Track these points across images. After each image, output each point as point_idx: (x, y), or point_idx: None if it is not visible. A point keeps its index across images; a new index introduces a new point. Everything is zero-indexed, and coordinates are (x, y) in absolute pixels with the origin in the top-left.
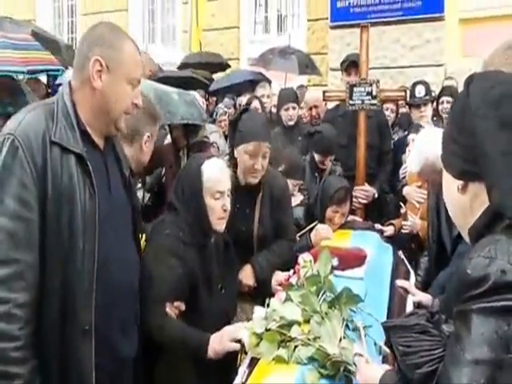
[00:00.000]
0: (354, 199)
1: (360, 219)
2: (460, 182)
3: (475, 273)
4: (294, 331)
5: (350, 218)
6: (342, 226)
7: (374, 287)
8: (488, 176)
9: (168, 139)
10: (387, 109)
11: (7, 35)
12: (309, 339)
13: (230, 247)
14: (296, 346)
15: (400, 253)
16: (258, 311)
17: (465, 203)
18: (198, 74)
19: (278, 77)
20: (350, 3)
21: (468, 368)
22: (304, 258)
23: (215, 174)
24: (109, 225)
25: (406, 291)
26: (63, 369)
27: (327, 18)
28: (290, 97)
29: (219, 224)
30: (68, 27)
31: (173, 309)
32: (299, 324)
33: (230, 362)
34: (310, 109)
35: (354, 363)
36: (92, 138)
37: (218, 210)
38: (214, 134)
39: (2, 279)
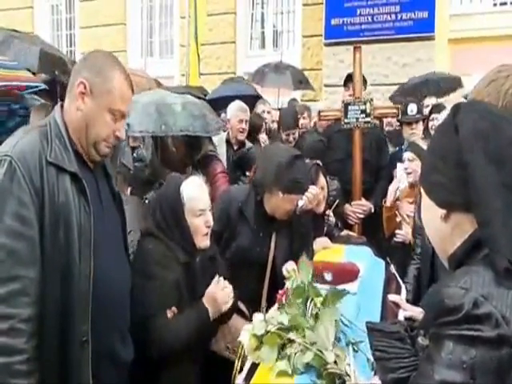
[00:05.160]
0: (352, 214)
1: (354, 234)
2: (443, 211)
3: (451, 302)
4: (293, 335)
5: (345, 233)
6: (336, 241)
7: (367, 302)
8: (480, 210)
9: None
10: None
11: None
12: (306, 343)
13: (216, 262)
14: (295, 354)
15: (392, 267)
16: (258, 315)
17: (446, 231)
18: (193, 89)
19: (271, 91)
20: (343, 21)
21: None
22: (287, 268)
23: (195, 192)
24: (102, 240)
25: (398, 306)
26: (63, 379)
27: (321, 35)
28: (290, 122)
29: (204, 241)
30: (67, 40)
31: (171, 314)
32: (297, 329)
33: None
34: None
35: (347, 373)
36: (83, 158)
37: (202, 227)
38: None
39: (6, 296)
